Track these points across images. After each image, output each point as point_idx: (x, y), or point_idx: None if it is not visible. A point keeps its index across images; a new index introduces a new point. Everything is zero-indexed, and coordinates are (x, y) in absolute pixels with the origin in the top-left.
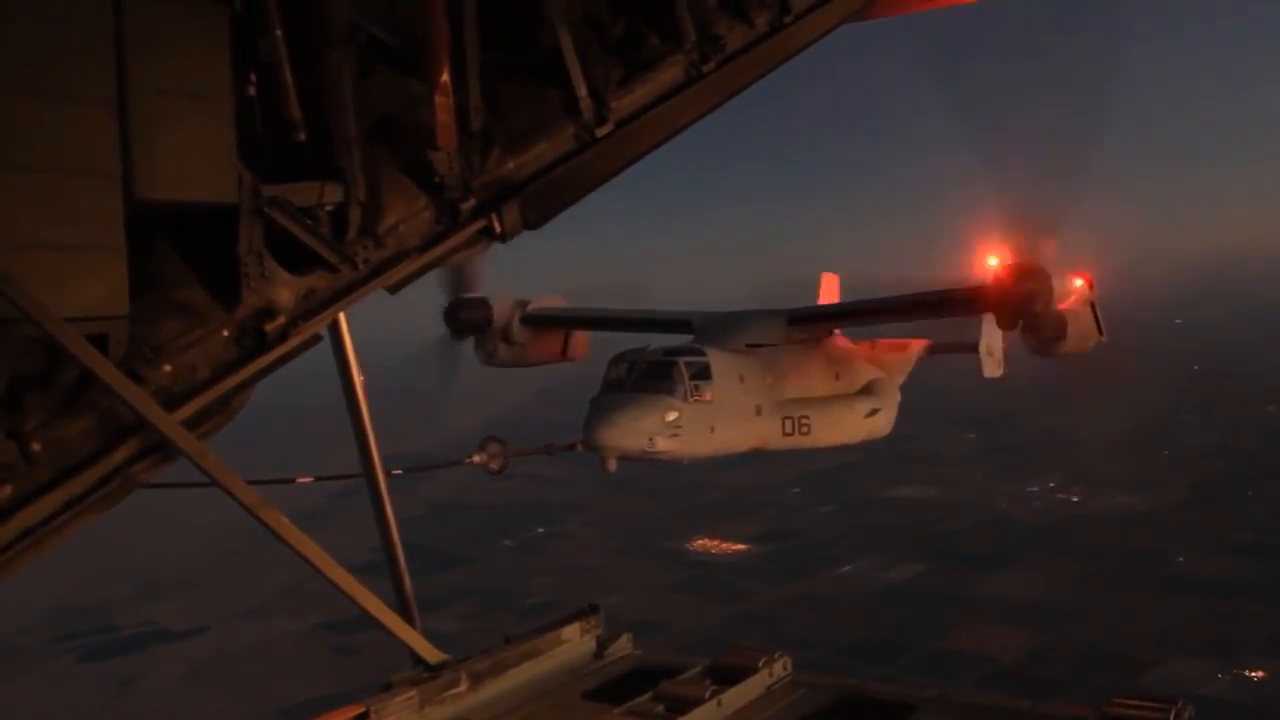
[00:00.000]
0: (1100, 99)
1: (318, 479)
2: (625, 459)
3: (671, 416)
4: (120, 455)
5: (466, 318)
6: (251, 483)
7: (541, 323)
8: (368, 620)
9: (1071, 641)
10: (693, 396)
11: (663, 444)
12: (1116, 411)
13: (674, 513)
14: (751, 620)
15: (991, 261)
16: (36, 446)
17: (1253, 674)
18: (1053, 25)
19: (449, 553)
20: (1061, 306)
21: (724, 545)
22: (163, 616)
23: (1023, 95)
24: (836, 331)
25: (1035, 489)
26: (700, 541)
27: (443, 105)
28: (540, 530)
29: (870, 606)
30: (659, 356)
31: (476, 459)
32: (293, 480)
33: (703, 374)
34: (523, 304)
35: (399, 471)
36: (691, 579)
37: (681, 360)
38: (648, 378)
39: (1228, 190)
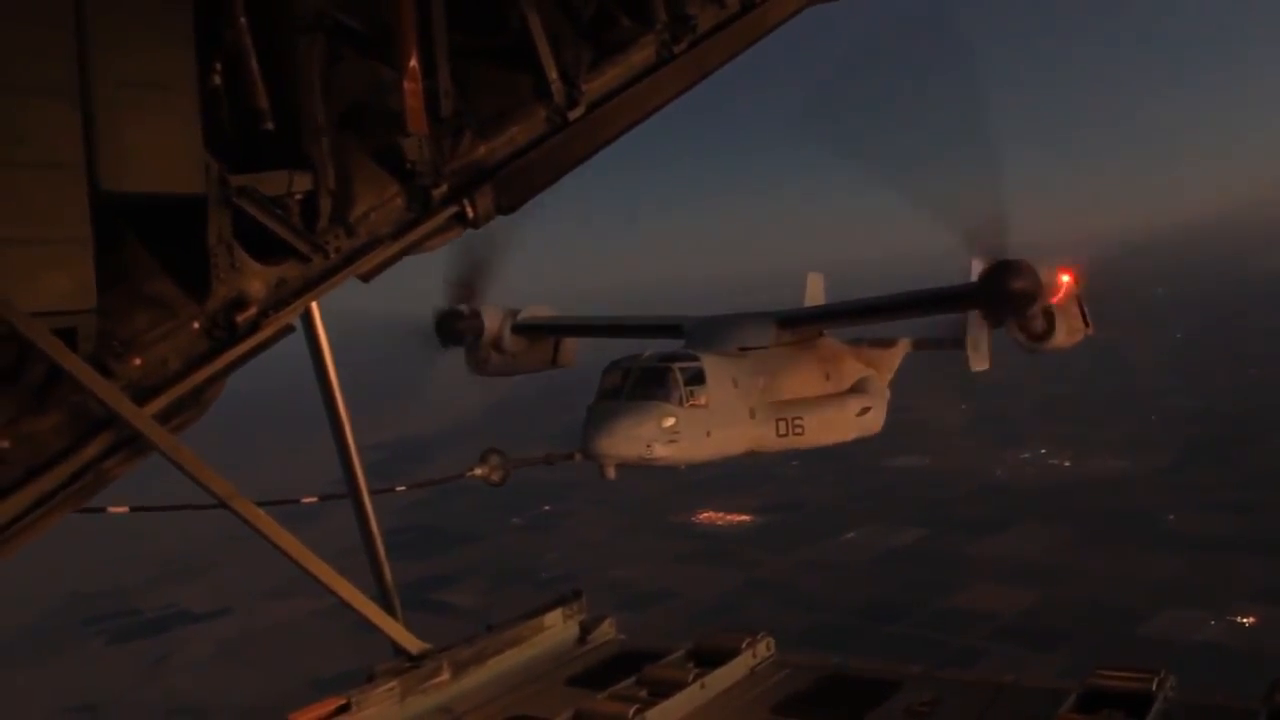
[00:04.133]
0: (1092, 90)
1: (307, 500)
2: (623, 466)
3: (669, 423)
4: (91, 451)
5: (458, 328)
6: (261, 504)
7: (533, 331)
8: (348, 611)
9: (1071, 597)
10: (688, 402)
11: (660, 450)
12: (1104, 379)
13: (676, 488)
14: (762, 587)
15: (979, 259)
16: (5, 444)
17: (1244, 620)
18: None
19: (459, 531)
20: (1049, 302)
21: (728, 517)
22: (183, 599)
23: (1014, 83)
24: (824, 331)
25: (1028, 455)
26: (705, 515)
27: (412, 90)
28: (547, 508)
29: (876, 570)
30: (653, 363)
31: (478, 472)
32: (294, 501)
33: (697, 379)
34: (513, 313)
35: (402, 489)
36: (700, 550)
37: (676, 366)
38: (643, 384)
39: (1200, 162)
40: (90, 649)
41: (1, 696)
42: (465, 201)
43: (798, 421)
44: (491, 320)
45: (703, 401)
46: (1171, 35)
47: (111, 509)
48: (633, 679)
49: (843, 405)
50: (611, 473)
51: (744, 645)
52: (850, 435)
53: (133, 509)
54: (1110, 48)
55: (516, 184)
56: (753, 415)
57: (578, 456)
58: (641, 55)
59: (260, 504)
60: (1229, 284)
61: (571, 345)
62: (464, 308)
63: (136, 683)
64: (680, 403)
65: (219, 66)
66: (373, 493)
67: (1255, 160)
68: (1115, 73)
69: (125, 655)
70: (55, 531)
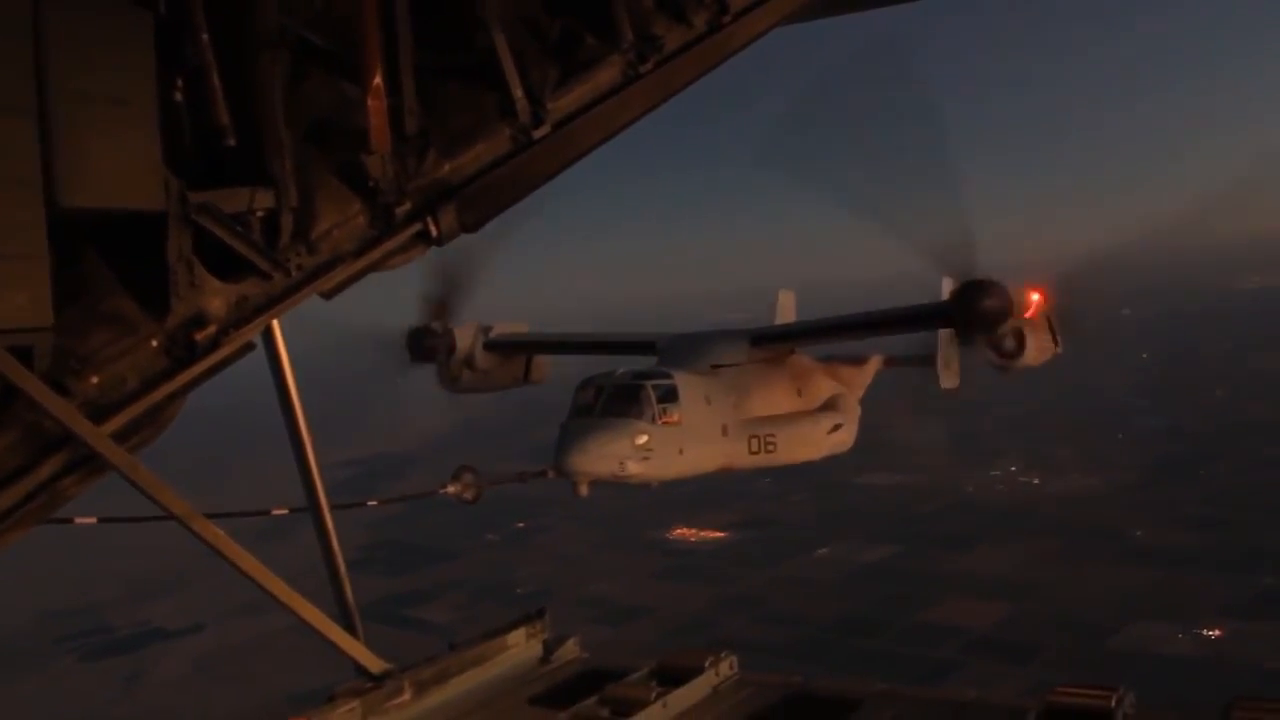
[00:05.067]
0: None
1: (277, 511)
2: (596, 483)
3: (641, 440)
4: (47, 470)
5: (429, 345)
6: (211, 515)
7: (505, 348)
8: (309, 631)
9: (1041, 611)
10: (661, 419)
11: (633, 467)
12: (1072, 399)
13: (650, 505)
14: (737, 602)
15: (949, 278)
16: None
17: (1210, 633)
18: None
19: (434, 547)
20: (1018, 322)
21: (703, 534)
22: (156, 616)
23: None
24: (796, 349)
25: (998, 473)
26: (679, 531)
27: (376, 108)
28: (521, 524)
29: (850, 586)
30: (626, 380)
31: (451, 489)
32: (253, 514)
33: (670, 396)
34: (485, 330)
35: (373, 503)
36: (675, 566)
37: (649, 383)
38: (616, 402)
39: (1160, 184)
40: (62, 667)
41: None
42: (429, 219)
43: (770, 439)
44: (463, 337)
45: (675, 419)
46: (1139, 46)
47: (78, 519)
48: (595, 698)
49: (815, 422)
50: (584, 490)
51: (707, 664)
52: (822, 453)
53: (101, 519)
54: (1076, 61)
55: (481, 202)
56: (725, 432)
57: (550, 473)
58: (608, 75)
59: (218, 515)
60: (1194, 303)
61: (544, 362)
62: (436, 325)
63: (110, 701)
64: (653, 420)
65: (180, 82)
66: (341, 507)
67: (1221, 177)
68: (1081, 86)
69: (98, 673)
70: (25, 549)
